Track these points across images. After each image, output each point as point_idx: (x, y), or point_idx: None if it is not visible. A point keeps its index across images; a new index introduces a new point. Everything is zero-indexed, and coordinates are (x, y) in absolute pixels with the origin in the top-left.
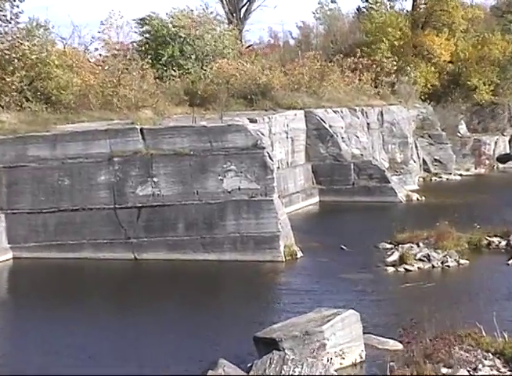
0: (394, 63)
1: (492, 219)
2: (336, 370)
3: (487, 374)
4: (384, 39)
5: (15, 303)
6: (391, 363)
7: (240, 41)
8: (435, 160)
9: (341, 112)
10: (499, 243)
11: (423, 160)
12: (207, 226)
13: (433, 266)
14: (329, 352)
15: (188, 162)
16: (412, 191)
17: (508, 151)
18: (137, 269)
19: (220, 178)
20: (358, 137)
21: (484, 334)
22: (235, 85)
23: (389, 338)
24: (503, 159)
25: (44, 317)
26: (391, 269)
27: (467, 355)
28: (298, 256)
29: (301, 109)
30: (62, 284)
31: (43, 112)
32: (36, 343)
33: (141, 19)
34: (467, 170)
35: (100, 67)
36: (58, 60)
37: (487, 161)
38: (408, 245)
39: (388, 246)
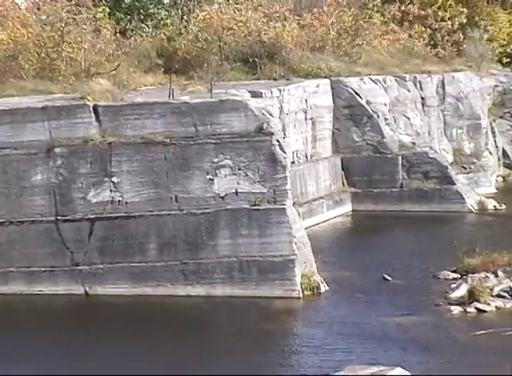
0: (460, 10)
1: None
2: None
3: None
4: None
5: None
6: None
7: None
8: None
9: (384, 82)
10: None
11: (504, 151)
12: (190, 247)
13: None
14: None
15: (162, 154)
16: (488, 196)
17: None
18: (88, 309)
19: (209, 177)
20: (408, 118)
21: None
22: (230, 43)
23: None
24: None
25: None
26: (456, 310)
27: None
28: (322, 290)
29: (325, 77)
30: None
31: None
32: None
33: None
34: None
35: (35, 17)
36: None
37: None
38: (481, 275)
39: (453, 276)
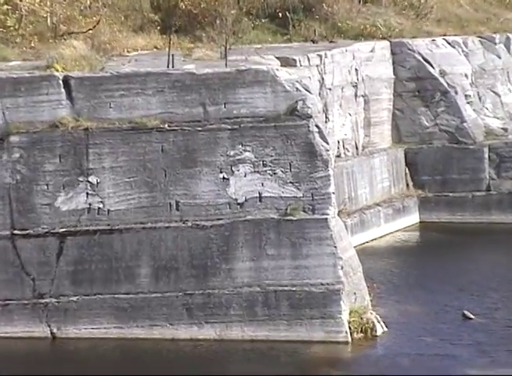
0: None
1: None
2: None
3: None
4: None
5: None
6: None
7: None
8: None
9: (465, 45)
10: None
11: None
12: (196, 273)
13: None
14: None
15: (159, 145)
16: None
17: None
18: (54, 357)
19: (223, 176)
20: (497, 94)
21: None
22: None
23: None
24: None
25: None
26: None
27: None
28: (378, 333)
29: (383, 38)
30: None
31: None
32: None
33: None
34: None
35: None
36: None
37: None
38: None
39: None
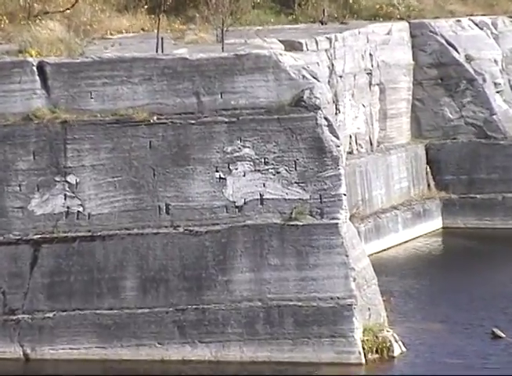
0: None
1: None
2: None
3: None
4: None
5: None
6: None
7: None
8: None
9: (494, 26)
10: None
11: None
12: (189, 285)
13: None
14: None
15: (146, 140)
16: None
17: None
18: None
19: (219, 175)
20: None
21: None
22: None
23: None
24: None
25: None
26: None
27: None
28: (395, 353)
29: (401, 19)
30: None
31: None
32: None
33: None
34: None
35: None
36: None
37: None
38: None
39: None
